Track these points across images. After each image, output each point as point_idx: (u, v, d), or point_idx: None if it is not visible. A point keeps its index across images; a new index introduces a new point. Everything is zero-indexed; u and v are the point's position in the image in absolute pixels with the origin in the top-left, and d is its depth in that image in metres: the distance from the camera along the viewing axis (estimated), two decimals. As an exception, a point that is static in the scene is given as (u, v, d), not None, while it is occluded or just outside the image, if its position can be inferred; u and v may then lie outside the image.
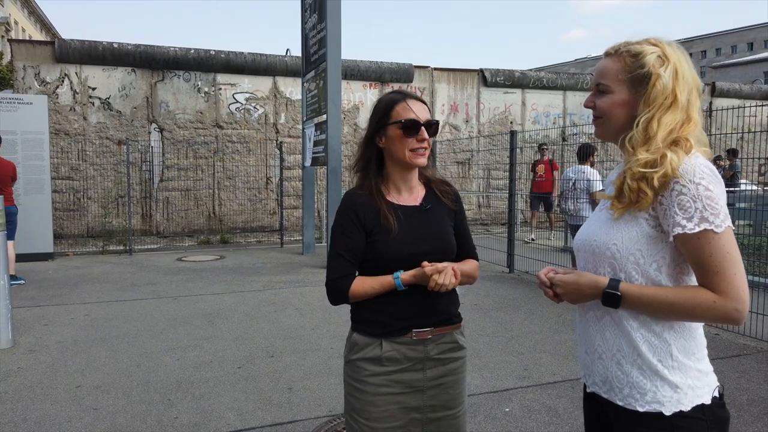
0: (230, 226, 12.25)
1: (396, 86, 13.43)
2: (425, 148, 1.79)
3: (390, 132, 1.77)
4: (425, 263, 1.69)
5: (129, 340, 4.94)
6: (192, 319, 5.59)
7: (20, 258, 8.24)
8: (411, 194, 1.85)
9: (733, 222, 1.28)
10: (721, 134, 7.43)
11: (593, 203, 6.96)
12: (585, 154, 7.28)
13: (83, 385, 3.94)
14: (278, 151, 11.81)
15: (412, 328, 1.75)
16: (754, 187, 11.01)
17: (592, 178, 6.94)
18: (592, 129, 1.47)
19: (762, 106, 5.65)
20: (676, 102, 1.30)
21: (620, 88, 1.36)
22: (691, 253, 1.25)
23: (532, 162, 12.07)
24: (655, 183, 1.25)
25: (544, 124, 14.80)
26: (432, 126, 1.79)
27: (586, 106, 1.47)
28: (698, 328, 1.35)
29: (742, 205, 7.32)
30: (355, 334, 1.81)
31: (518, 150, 9.27)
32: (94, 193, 11.41)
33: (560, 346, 4.75)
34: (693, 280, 1.31)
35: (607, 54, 1.41)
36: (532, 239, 10.92)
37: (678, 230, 1.24)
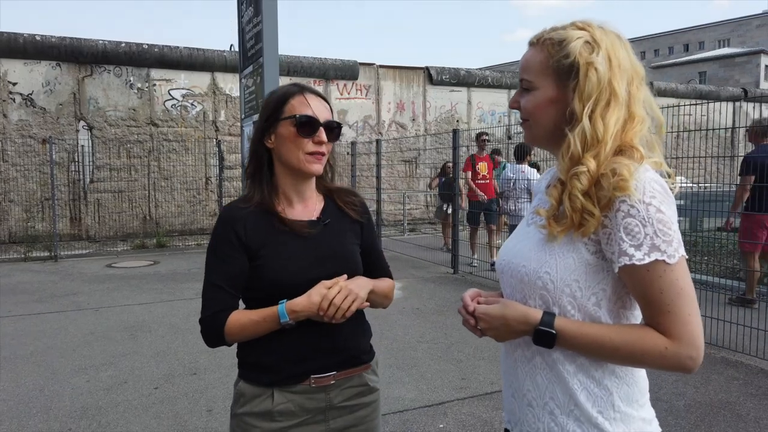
0: (167, 228, 11.68)
1: (341, 83, 13.14)
2: (323, 154, 1.47)
3: (281, 130, 1.45)
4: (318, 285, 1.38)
5: (36, 359, 4.49)
6: (111, 333, 5.17)
7: (-74, 268, 7.55)
8: (305, 206, 1.52)
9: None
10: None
11: (535, 202, 7.02)
12: (522, 153, 7.33)
13: (-27, 415, 3.52)
14: (218, 150, 11.34)
15: (311, 373, 1.43)
16: (689, 184, 11.29)
17: (531, 177, 7.10)
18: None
19: (697, 104, 5.67)
20: (615, 96, 1.06)
21: (545, 84, 1.11)
22: (638, 288, 1.03)
23: (469, 157, 8.62)
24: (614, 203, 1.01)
25: (489, 122, 14.82)
26: (333, 129, 1.49)
27: (510, 107, 1.21)
28: (642, 370, 1.14)
29: (680, 201, 7.49)
30: (241, 382, 1.48)
31: (466, 148, 9.15)
32: (15, 195, 10.65)
33: (499, 352, 4.59)
34: (636, 315, 1.10)
35: (531, 44, 1.15)
36: (474, 263, 8.13)
37: (625, 260, 1.01)
